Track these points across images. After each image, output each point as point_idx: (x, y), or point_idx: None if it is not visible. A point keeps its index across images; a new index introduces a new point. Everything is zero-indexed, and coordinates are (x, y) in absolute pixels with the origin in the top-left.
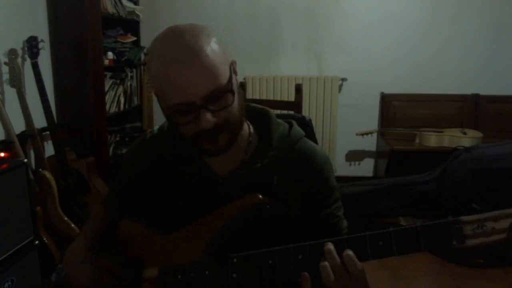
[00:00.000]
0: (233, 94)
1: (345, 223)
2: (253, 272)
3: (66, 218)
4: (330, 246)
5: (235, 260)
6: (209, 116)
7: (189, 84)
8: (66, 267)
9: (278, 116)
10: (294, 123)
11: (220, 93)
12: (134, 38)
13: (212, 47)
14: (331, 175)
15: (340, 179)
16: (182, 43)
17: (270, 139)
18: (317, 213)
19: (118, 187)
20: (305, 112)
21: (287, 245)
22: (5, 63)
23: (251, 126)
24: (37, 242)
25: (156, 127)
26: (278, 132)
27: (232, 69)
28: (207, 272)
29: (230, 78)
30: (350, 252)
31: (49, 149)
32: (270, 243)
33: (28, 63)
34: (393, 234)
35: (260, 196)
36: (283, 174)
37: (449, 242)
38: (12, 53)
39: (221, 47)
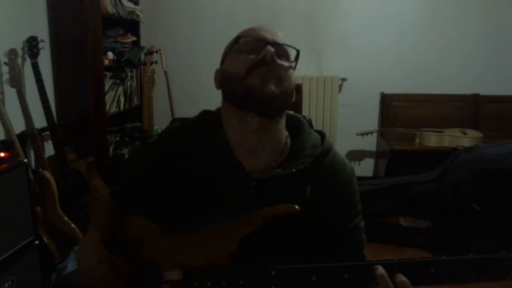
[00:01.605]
0: (291, 65)
1: (364, 235)
2: (293, 287)
3: (66, 218)
4: (382, 270)
5: (273, 272)
6: (273, 51)
7: (273, 31)
8: (81, 265)
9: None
10: (326, 134)
11: (289, 50)
12: (134, 38)
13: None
14: (357, 188)
15: None
16: None
17: (303, 147)
18: (343, 224)
19: (134, 178)
20: (305, 112)
21: (309, 252)
22: (5, 63)
23: (288, 135)
24: (37, 242)
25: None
26: (311, 140)
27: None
28: (241, 282)
29: (296, 62)
30: (404, 278)
31: (49, 149)
32: (295, 251)
33: (28, 63)
34: (446, 263)
35: (296, 207)
36: (315, 182)
37: (502, 277)
38: (12, 53)
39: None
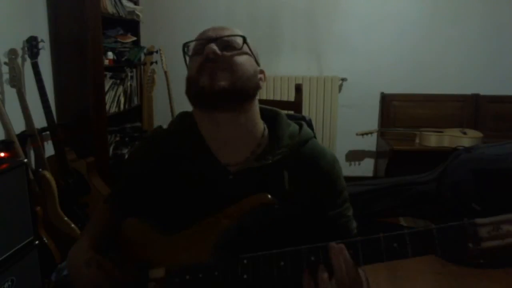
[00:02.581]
0: (242, 45)
1: (354, 223)
2: (264, 274)
3: (66, 218)
4: (341, 246)
5: (245, 261)
6: (215, 46)
7: (217, 29)
8: (70, 269)
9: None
10: (304, 124)
11: (234, 39)
12: (134, 38)
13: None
14: (340, 175)
15: None
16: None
17: (280, 138)
18: (326, 213)
19: (124, 183)
20: (305, 112)
21: (296, 244)
22: (5, 63)
23: (265, 126)
24: (37, 242)
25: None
26: (288, 131)
27: (257, 68)
28: (216, 273)
29: (249, 45)
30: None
31: (49, 149)
32: (279, 242)
33: (28, 63)
34: (408, 236)
35: (269, 196)
36: (293, 172)
37: (464, 245)
38: (12, 53)
39: (257, 51)
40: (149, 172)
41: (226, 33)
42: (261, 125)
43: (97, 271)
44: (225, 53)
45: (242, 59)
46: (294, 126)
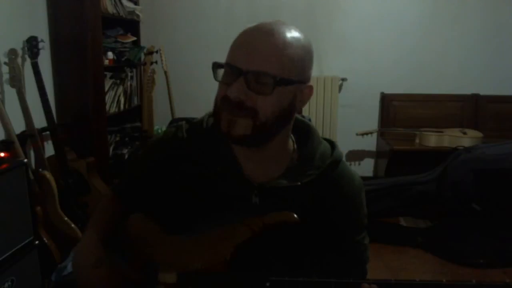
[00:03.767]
0: (273, 89)
1: (367, 253)
2: None
3: (66, 218)
4: (374, 286)
5: (268, 284)
6: (240, 87)
7: (251, 53)
8: (77, 268)
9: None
10: (336, 144)
11: (266, 79)
12: (134, 38)
13: (296, 46)
14: (364, 202)
15: None
16: (278, 23)
17: (311, 157)
18: (346, 239)
19: (132, 178)
20: (305, 112)
21: (310, 264)
22: (5, 63)
23: (295, 143)
24: (37, 242)
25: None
26: (320, 150)
27: (299, 88)
28: None
29: (285, 82)
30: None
31: (49, 149)
32: (294, 260)
33: (28, 63)
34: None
35: (295, 216)
36: (318, 192)
37: None
38: (12, 53)
39: (306, 59)
40: (165, 169)
41: (259, 60)
42: (289, 144)
43: (105, 271)
44: (251, 94)
45: (269, 100)
46: (325, 145)
